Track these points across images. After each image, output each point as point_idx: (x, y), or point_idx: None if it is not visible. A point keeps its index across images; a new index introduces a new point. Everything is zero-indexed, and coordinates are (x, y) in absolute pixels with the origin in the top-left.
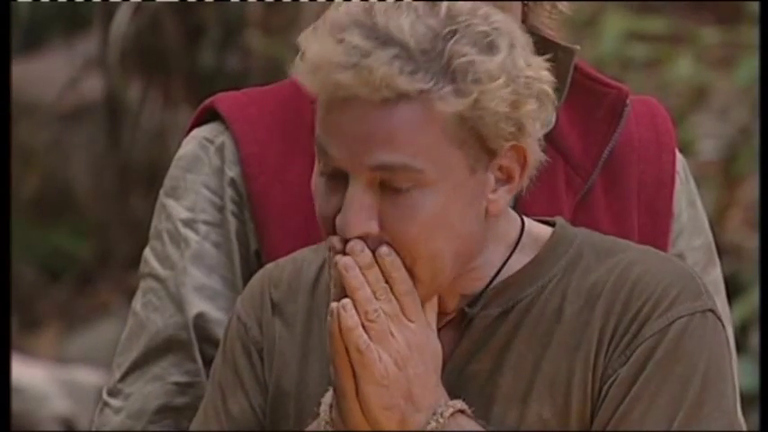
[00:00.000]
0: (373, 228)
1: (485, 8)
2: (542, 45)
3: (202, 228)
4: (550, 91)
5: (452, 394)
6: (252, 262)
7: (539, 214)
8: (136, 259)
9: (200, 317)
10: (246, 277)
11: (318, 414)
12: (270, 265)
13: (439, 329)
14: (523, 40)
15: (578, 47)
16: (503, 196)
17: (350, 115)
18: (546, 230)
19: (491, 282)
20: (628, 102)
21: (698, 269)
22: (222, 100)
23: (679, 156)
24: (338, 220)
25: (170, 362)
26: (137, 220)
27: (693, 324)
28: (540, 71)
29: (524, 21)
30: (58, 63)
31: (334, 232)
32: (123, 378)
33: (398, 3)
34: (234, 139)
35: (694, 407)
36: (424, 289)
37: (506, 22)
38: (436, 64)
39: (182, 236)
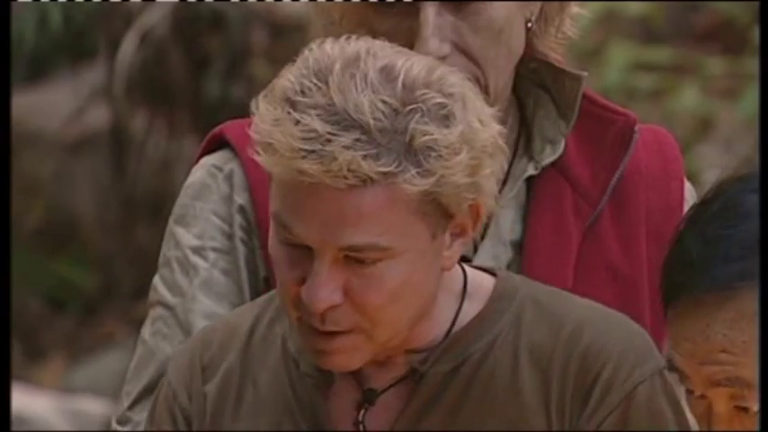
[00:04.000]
0: (338, 299)
1: (438, 70)
2: (551, 72)
3: (211, 255)
4: (501, 142)
5: None
6: (261, 289)
7: (546, 242)
8: (141, 290)
9: None
10: None
11: None
12: (204, 328)
13: (388, 387)
14: (473, 95)
15: (586, 73)
16: (456, 251)
17: (315, 200)
18: (488, 281)
19: (446, 336)
20: (636, 129)
21: None
22: (231, 128)
23: (687, 184)
24: (304, 295)
25: None
26: (142, 250)
27: (655, 385)
28: (491, 125)
29: (529, 46)
30: (63, 93)
31: (296, 300)
32: (132, 406)
33: (351, 70)
34: (242, 167)
35: None
36: (378, 348)
37: (458, 84)
38: (398, 144)
39: (191, 263)
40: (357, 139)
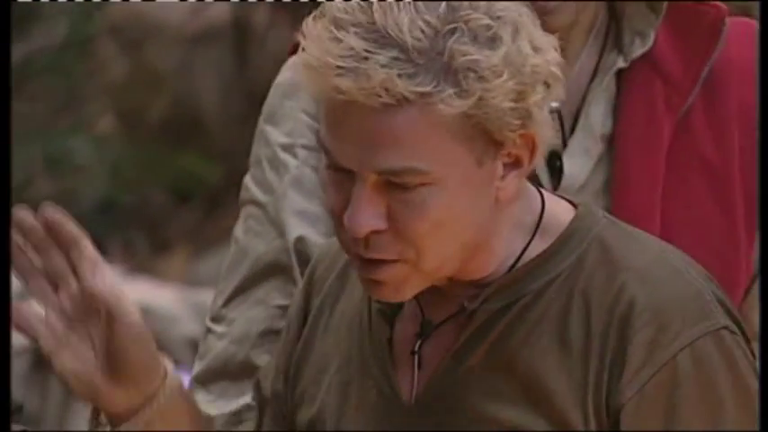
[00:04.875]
0: (380, 225)
1: None
2: None
3: (301, 152)
4: (558, 72)
5: (450, 390)
6: None
7: (637, 135)
8: None
9: (300, 240)
10: None
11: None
12: (328, 240)
13: (444, 320)
14: (530, 23)
15: None
16: (512, 182)
17: (352, 119)
18: (567, 215)
19: (509, 271)
20: (726, 21)
21: None
22: None
23: None
24: (346, 219)
25: (272, 286)
26: None
27: (705, 349)
28: (548, 54)
29: None
30: None
31: (342, 226)
32: (226, 303)
33: None
34: None
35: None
36: (427, 279)
37: (513, 9)
38: (437, 64)
39: (281, 161)
40: (395, 58)
